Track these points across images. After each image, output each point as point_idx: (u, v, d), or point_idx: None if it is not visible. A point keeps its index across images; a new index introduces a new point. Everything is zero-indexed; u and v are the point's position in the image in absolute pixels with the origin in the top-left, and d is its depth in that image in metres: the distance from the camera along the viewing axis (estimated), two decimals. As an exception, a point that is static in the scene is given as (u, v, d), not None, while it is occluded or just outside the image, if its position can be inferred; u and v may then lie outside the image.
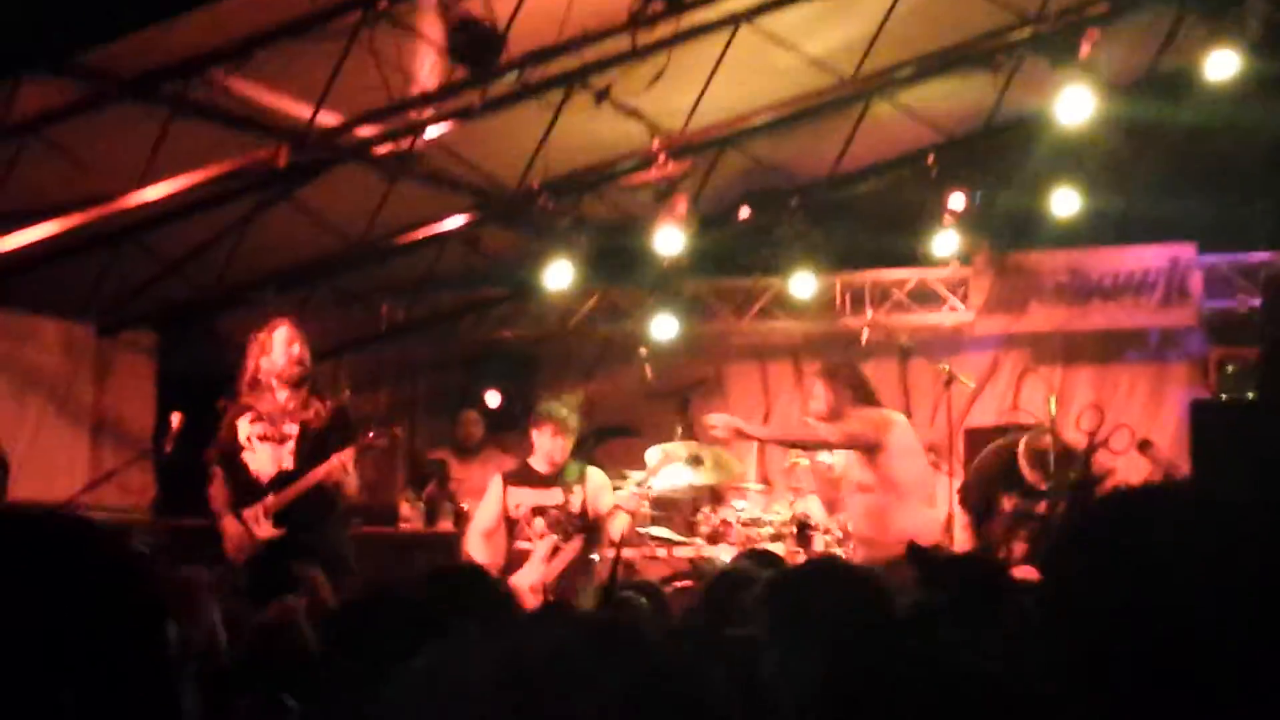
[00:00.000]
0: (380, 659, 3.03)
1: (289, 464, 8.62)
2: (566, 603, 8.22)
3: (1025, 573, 9.02)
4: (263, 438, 8.68)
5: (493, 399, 13.14)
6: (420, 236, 11.50)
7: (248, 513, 8.60)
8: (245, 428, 8.72)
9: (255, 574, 8.39)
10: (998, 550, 9.33)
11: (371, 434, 8.80)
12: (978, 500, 9.71)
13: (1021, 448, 9.63)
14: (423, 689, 1.44)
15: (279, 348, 8.69)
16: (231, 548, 8.60)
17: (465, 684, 1.41)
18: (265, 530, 8.53)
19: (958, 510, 10.05)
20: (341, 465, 8.54)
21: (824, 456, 10.21)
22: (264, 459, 8.67)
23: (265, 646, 5.20)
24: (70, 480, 10.44)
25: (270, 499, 8.56)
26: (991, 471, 9.78)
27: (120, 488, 10.30)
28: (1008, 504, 9.45)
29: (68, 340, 11.33)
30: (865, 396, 9.62)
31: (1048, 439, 9.65)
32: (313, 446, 8.62)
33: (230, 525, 8.63)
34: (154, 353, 12.01)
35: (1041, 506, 9.40)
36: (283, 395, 8.69)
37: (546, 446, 9.53)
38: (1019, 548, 9.38)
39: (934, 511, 9.84)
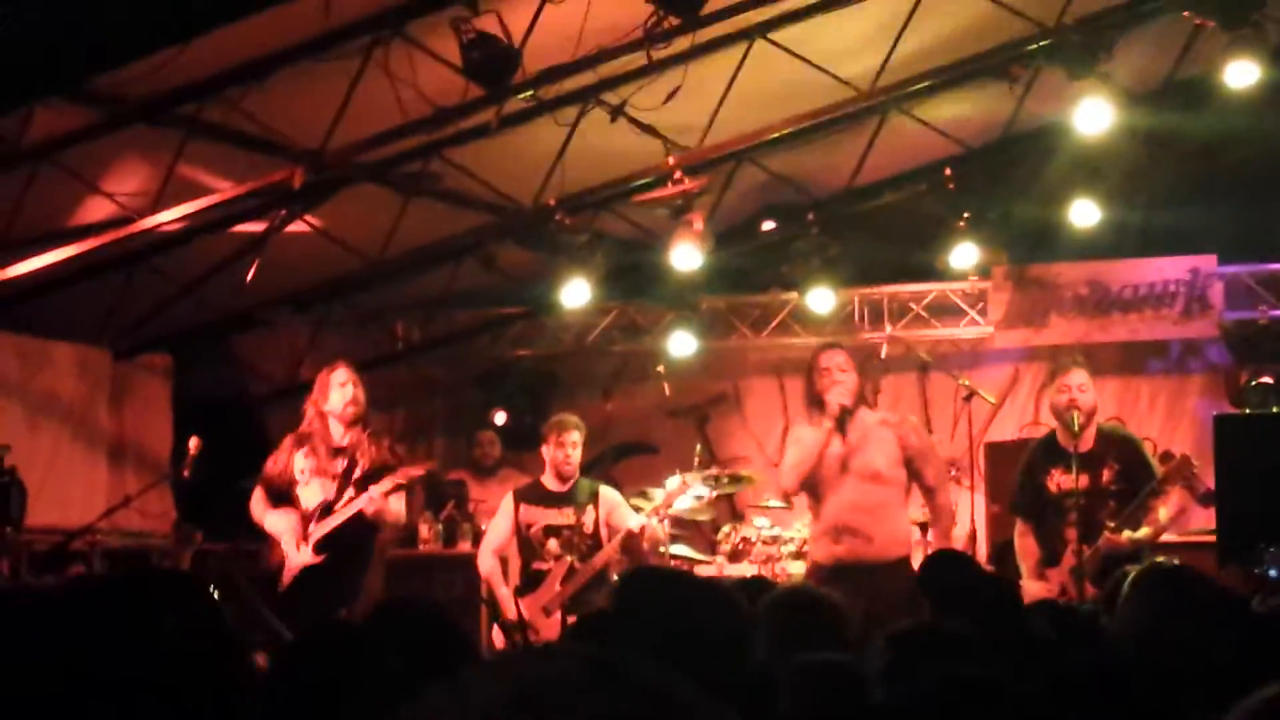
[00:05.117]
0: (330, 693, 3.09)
1: (332, 496, 8.71)
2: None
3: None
4: (315, 471, 8.76)
5: (499, 419, 12.98)
6: (435, 255, 11.46)
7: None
8: (300, 461, 8.80)
9: (287, 597, 8.53)
10: (1064, 543, 8.89)
11: (405, 471, 8.84)
12: (1028, 496, 9.19)
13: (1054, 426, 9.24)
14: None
15: (334, 389, 8.81)
16: (276, 556, 8.81)
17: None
18: (304, 556, 8.63)
19: (1018, 521, 9.47)
20: (373, 501, 8.60)
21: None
22: (313, 492, 8.75)
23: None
24: (89, 504, 10.43)
25: (312, 526, 8.66)
26: (1031, 459, 9.34)
27: (140, 512, 10.30)
28: (1053, 485, 9.04)
29: (83, 364, 11.30)
30: None
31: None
32: (357, 483, 8.71)
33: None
34: (170, 375, 11.98)
35: (1085, 478, 8.93)
36: (338, 432, 8.78)
37: (553, 458, 9.53)
38: (1071, 533, 8.88)
39: None
